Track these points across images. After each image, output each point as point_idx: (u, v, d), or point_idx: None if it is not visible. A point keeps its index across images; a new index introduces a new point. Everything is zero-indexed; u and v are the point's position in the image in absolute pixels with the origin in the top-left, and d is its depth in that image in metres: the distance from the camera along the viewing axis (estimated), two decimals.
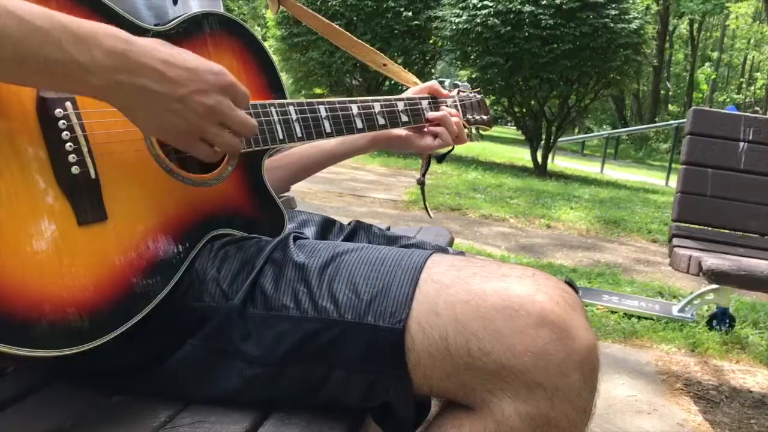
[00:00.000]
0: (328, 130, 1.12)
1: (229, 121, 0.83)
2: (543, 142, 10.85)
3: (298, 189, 6.24)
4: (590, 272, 4.20)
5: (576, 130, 24.34)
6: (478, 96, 1.51)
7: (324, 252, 0.87)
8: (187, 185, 0.92)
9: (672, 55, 31.19)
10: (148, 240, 0.86)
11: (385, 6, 10.94)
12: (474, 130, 1.49)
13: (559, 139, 11.94)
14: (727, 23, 32.24)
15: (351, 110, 1.16)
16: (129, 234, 0.85)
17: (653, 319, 3.31)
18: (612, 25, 9.22)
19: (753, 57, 35.65)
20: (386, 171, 9.15)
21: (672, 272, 4.74)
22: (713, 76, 32.70)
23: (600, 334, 3.06)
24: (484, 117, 1.51)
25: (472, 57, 10.24)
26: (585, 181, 10.50)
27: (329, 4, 11.05)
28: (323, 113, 1.11)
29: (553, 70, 9.52)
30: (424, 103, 1.30)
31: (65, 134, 0.80)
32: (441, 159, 1.42)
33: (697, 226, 2.71)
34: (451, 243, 2.24)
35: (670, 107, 32.32)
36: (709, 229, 2.71)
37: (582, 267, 4.40)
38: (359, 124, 1.18)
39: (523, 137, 12.34)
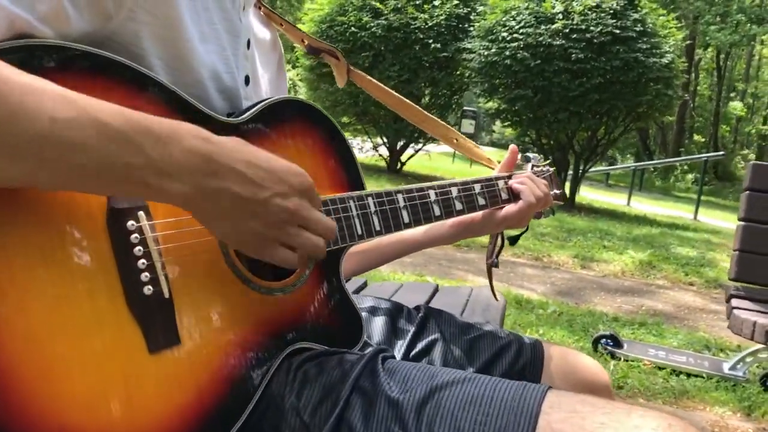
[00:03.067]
0: (407, 220, 1.04)
1: (310, 224, 0.76)
2: (571, 174, 10.71)
3: None
4: (632, 321, 4.06)
5: (599, 161, 24.13)
6: (551, 169, 1.42)
7: (420, 383, 0.77)
8: (263, 295, 0.84)
9: (697, 86, 30.98)
10: (223, 362, 0.78)
11: (413, 38, 10.93)
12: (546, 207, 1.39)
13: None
14: (753, 53, 31.99)
15: (429, 197, 1.08)
16: (203, 357, 0.76)
17: (703, 377, 3.16)
18: (643, 59, 9.10)
19: None
20: None
21: (714, 320, 4.60)
22: (743, 113, 32.36)
23: (649, 394, 2.93)
24: (557, 191, 1.42)
25: (500, 89, 10.17)
26: (614, 215, 10.33)
27: (358, 35, 11.07)
28: (401, 203, 1.03)
29: (583, 104, 9.41)
30: (500, 183, 1.21)
31: (138, 249, 0.72)
32: (514, 240, 1.33)
33: (756, 287, 2.58)
34: (504, 306, 2.14)
35: (696, 138, 32.00)
36: None
37: (623, 315, 4.26)
38: (437, 212, 1.09)
39: None
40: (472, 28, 10.69)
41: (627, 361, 3.25)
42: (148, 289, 0.72)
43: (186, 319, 0.75)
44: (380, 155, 12.71)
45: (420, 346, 1.16)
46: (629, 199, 13.76)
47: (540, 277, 5.20)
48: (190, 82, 0.85)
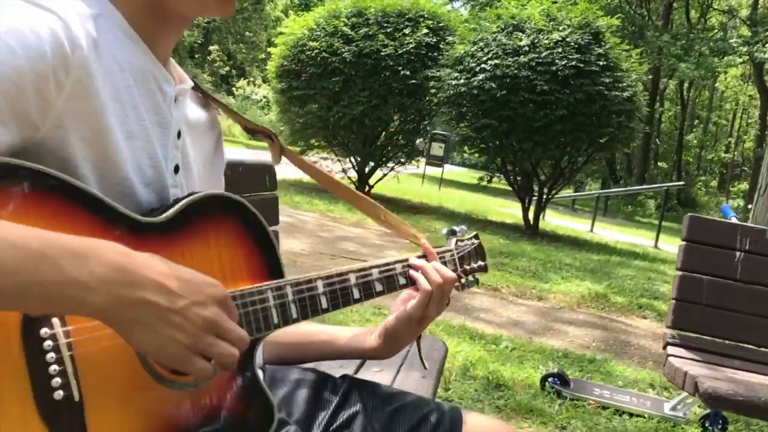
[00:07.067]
0: (324, 306, 1.09)
1: (225, 333, 0.81)
2: (535, 200, 10.91)
3: (289, 249, 6.15)
4: (582, 358, 4.15)
5: (564, 186, 24.58)
6: (476, 241, 1.48)
7: None
8: (175, 390, 0.88)
9: (662, 113, 31.67)
10: None
11: (383, 64, 11.06)
12: (469, 278, 1.45)
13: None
14: (716, 84, 32.85)
15: (349, 281, 1.14)
16: None
17: (644, 417, 3.25)
18: (606, 92, 9.32)
19: (741, 118, 36.32)
20: (379, 230, 9.13)
21: (661, 356, 4.72)
22: (705, 141, 33.32)
23: None
24: (481, 263, 1.48)
25: (467, 117, 10.33)
26: (575, 243, 10.51)
27: (329, 60, 11.17)
28: (320, 289, 1.09)
29: (546, 134, 9.60)
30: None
31: (50, 356, 0.77)
32: None
33: (692, 335, 2.68)
34: (445, 355, 2.19)
35: (660, 164, 32.67)
36: (704, 338, 2.68)
37: (573, 349, 4.35)
38: (356, 295, 1.15)
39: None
40: (441, 57, 10.85)
41: (572, 400, 3.33)
42: (58, 395, 0.77)
43: (96, 420, 0.80)
44: (349, 178, 12.79)
45: (341, 418, 1.21)
46: (593, 225, 14.01)
47: (495, 310, 5.29)
48: (116, 179, 0.89)
